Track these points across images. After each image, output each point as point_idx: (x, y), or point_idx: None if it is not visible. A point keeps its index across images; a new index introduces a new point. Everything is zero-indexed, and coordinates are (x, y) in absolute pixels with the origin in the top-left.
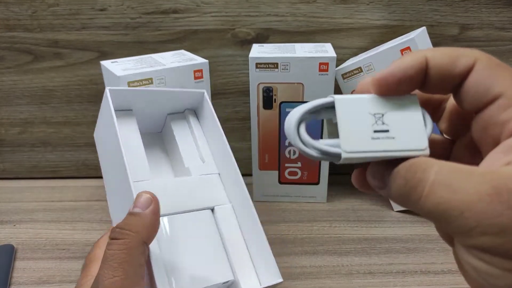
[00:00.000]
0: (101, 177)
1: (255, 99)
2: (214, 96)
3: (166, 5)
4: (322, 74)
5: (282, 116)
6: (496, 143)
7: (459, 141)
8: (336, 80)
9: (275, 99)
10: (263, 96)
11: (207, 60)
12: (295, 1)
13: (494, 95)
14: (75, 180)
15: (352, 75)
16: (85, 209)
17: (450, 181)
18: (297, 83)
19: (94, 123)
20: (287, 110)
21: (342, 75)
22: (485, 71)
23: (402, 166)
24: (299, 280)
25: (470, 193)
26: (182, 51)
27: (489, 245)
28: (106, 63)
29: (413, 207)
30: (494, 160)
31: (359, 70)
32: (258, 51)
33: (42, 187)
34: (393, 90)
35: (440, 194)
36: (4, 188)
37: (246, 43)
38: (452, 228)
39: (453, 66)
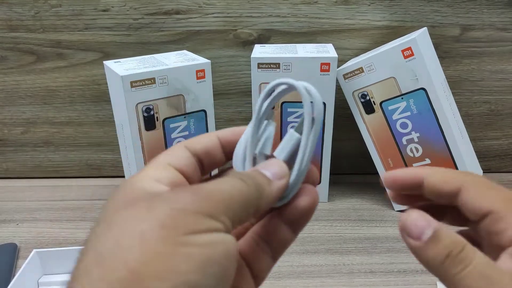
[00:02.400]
0: (103, 177)
1: (257, 99)
2: (216, 96)
3: (169, 6)
4: (323, 75)
5: (284, 116)
6: (498, 245)
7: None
8: (337, 80)
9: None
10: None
11: (209, 61)
12: (296, 2)
13: (484, 212)
14: (78, 179)
15: (354, 75)
16: (88, 208)
17: (490, 272)
18: None
19: (96, 123)
20: (289, 110)
21: (344, 75)
22: (473, 191)
23: (448, 234)
24: (301, 279)
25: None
26: (185, 51)
27: None
28: (109, 63)
29: (447, 277)
30: (507, 263)
31: (361, 70)
32: (260, 51)
33: (45, 187)
34: (393, 185)
35: (479, 280)
36: (7, 188)
37: (248, 44)
38: None
39: (444, 187)
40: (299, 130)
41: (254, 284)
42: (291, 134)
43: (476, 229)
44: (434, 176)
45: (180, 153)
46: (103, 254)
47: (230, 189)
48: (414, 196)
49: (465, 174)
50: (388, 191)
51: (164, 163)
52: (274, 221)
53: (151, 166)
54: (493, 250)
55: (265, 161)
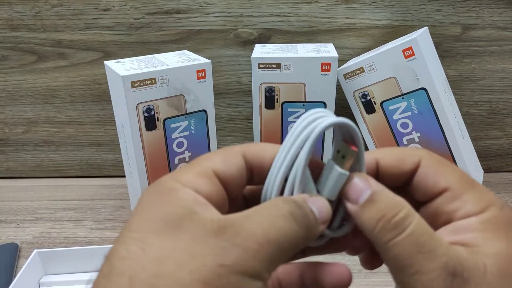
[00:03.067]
0: (104, 176)
1: (257, 99)
2: (217, 96)
3: (169, 5)
4: (324, 74)
5: (284, 116)
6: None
7: None
8: (338, 80)
9: (277, 99)
10: (266, 96)
11: (209, 60)
12: (297, 1)
13: (441, 189)
14: (79, 179)
15: (354, 75)
16: (89, 208)
17: (426, 239)
18: (299, 83)
19: (97, 122)
20: (289, 110)
21: (344, 75)
22: (430, 168)
23: (384, 196)
24: None
25: (430, 260)
26: (185, 51)
27: None
28: (109, 63)
29: (378, 244)
30: (444, 235)
31: (361, 70)
32: (261, 51)
33: (46, 186)
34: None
35: (409, 249)
36: (8, 187)
37: (249, 43)
38: (404, 278)
39: (402, 166)
40: (342, 163)
41: None
42: (338, 173)
43: (424, 212)
44: (388, 157)
45: (234, 162)
46: (137, 280)
47: (281, 238)
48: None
49: (418, 150)
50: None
51: (209, 169)
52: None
53: (193, 165)
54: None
55: (308, 194)
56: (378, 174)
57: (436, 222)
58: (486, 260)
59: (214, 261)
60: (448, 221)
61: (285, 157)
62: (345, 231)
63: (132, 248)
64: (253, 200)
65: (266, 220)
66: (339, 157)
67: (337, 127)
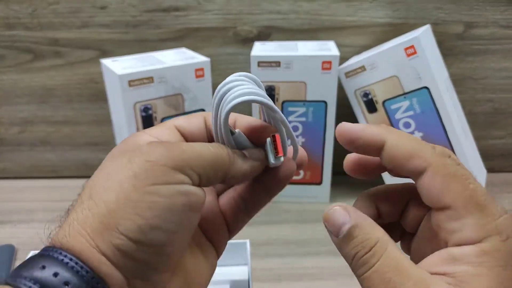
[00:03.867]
0: None
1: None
2: None
3: (167, 2)
4: (325, 73)
5: (284, 116)
6: (441, 243)
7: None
8: (339, 79)
9: (277, 98)
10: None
11: (208, 59)
12: None
13: (443, 205)
14: (75, 179)
15: (355, 73)
16: None
17: (392, 276)
18: (300, 81)
19: (94, 122)
20: (290, 109)
21: (345, 73)
22: (436, 180)
23: (361, 231)
24: (302, 281)
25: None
26: (183, 49)
27: None
28: (106, 62)
29: (356, 276)
30: (432, 265)
31: (363, 68)
32: (260, 49)
33: (42, 187)
34: (349, 145)
35: (376, 284)
36: (4, 188)
37: (248, 41)
38: None
39: (405, 163)
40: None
41: (228, 235)
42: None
43: (430, 216)
44: (397, 147)
45: (194, 121)
46: (93, 192)
47: (203, 149)
48: (371, 166)
49: (430, 153)
50: (346, 162)
51: (171, 124)
52: (253, 184)
53: (159, 125)
54: (436, 239)
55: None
56: (381, 154)
57: (438, 233)
58: None
59: (142, 158)
60: (445, 240)
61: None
62: (280, 161)
63: (96, 172)
64: None
65: (195, 143)
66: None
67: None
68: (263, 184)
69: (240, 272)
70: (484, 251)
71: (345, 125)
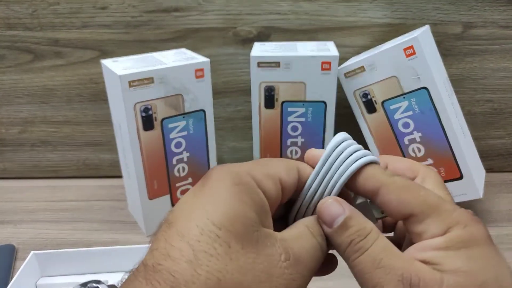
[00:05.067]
0: (101, 177)
1: (256, 98)
2: (216, 95)
3: (167, 3)
4: (324, 73)
5: (284, 116)
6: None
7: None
8: (338, 79)
9: (277, 99)
10: (265, 95)
11: (208, 59)
12: None
13: (405, 215)
14: (76, 179)
15: (355, 74)
16: (86, 209)
17: (383, 256)
18: (299, 82)
19: (94, 122)
20: (289, 109)
21: (345, 74)
22: (391, 196)
23: (355, 221)
24: None
25: (387, 273)
26: (183, 49)
27: None
28: (106, 62)
29: (348, 262)
30: (411, 253)
31: (362, 69)
32: (260, 49)
33: (43, 187)
34: None
35: (369, 265)
36: (5, 188)
37: (248, 42)
38: None
39: (362, 187)
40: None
41: None
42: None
43: (402, 226)
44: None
45: (292, 173)
46: (225, 285)
47: (315, 267)
48: None
49: (381, 173)
50: None
51: (277, 178)
52: None
53: (266, 173)
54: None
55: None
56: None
57: (411, 238)
58: (444, 275)
59: (284, 285)
60: (419, 240)
61: (323, 185)
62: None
63: (217, 247)
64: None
65: (310, 251)
66: (379, 211)
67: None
68: None
69: None
70: (449, 238)
71: (310, 153)
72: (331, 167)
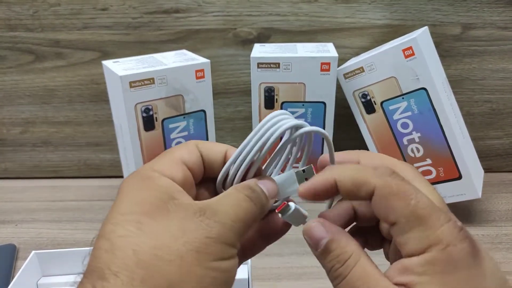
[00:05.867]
0: (102, 177)
1: (256, 99)
2: (216, 95)
3: (168, 4)
4: (324, 74)
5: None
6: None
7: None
8: (338, 80)
9: (276, 99)
10: (265, 96)
11: (208, 60)
12: (297, 0)
13: (390, 222)
14: (77, 179)
15: (354, 74)
16: (87, 209)
17: (359, 286)
18: (299, 83)
19: (95, 122)
20: (289, 110)
21: (344, 74)
22: (382, 200)
23: (337, 245)
24: (301, 280)
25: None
26: (184, 50)
27: None
28: (107, 63)
29: (332, 282)
30: (391, 276)
31: (361, 69)
32: (260, 50)
33: (44, 187)
34: (315, 198)
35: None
36: (6, 188)
37: (248, 43)
38: None
39: (357, 192)
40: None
41: (244, 259)
42: (295, 189)
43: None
44: (346, 181)
45: (194, 152)
46: (143, 258)
47: (245, 216)
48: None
49: (377, 175)
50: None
51: (179, 160)
52: (252, 231)
53: (166, 161)
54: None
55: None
56: (338, 191)
57: (397, 246)
58: None
59: (202, 234)
60: (401, 249)
61: (248, 152)
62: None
63: (129, 228)
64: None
65: (234, 203)
66: (301, 174)
67: (296, 130)
68: (261, 231)
69: (240, 271)
70: (426, 261)
71: (309, 188)
72: (260, 136)
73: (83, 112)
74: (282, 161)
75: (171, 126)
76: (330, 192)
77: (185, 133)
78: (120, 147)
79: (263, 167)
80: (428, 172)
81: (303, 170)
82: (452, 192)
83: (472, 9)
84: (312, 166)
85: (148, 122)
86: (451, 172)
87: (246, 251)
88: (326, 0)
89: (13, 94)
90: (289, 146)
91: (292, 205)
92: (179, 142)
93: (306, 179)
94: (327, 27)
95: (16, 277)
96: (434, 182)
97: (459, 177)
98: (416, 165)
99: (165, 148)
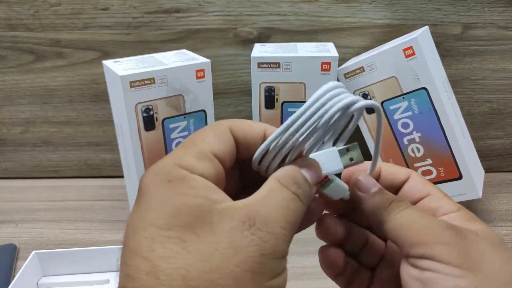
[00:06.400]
0: (103, 177)
1: (257, 99)
2: (216, 95)
3: (168, 4)
4: (324, 74)
5: (284, 116)
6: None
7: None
8: (338, 80)
9: (277, 99)
10: (265, 96)
11: (209, 60)
12: (297, 0)
13: (425, 194)
14: (77, 179)
15: (355, 74)
16: (87, 208)
17: (419, 215)
18: (299, 82)
19: (95, 122)
20: (289, 110)
21: (344, 74)
22: (419, 181)
23: (388, 191)
24: (301, 280)
25: (426, 222)
26: (184, 50)
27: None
28: (108, 63)
29: (388, 215)
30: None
31: (362, 69)
32: (260, 50)
33: (44, 187)
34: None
35: (411, 215)
36: (6, 188)
37: (248, 43)
38: (411, 240)
39: (397, 176)
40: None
41: None
42: (340, 167)
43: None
44: (388, 168)
45: (226, 139)
46: (194, 285)
47: (295, 219)
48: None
49: (408, 170)
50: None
51: (209, 153)
52: None
53: (194, 154)
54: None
55: (303, 159)
56: (379, 177)
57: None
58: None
59: (257, 251)
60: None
61: (298, 128)
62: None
63: (171, 247)
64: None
65: (282, 205)
66: (345, 152)
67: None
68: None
69: None
70: (462, 214)
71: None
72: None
73: (84, 112)
74: (328, 139)
75: (171, 126)
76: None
77: (186, 133)
78: (121, 147)
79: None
80: (429, 172)
81: (347, 149)
82: (453, 192)
83: (472, 8)
84: (357, 145)
85: (149, 122)
86: (452, 172)
87: None
88: (326, 0)
89: (14, 94)
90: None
91: (334, 178)
92: (179, 142)
93: (351, 160)
94: (328, 26)
95: (17, 277)
96: (434, 182)
97: (460, 177)
98: (416, 165)
99: (165, 148)
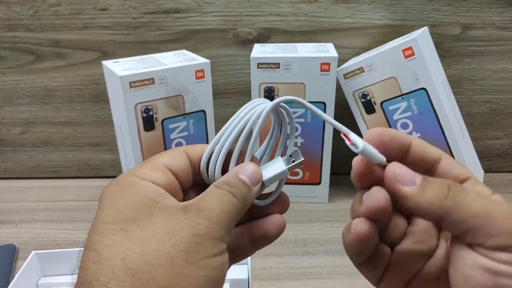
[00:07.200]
0: (102, 177)
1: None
2: (216, 96)
3: (168, 4)
4: (323, 74)
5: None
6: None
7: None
8: (337, 80)
9: None
10: (265, 96)
11: (208, 60)
12: (296, 0)
13: (464, 178)
14: (77, 180)
15: (354, 75)
16: (87, 209)
17: (487, 197)
18: (299, 83)
19: (95, 123)
20: None
21: (344, 75)
22: (453, 162)
23: (433, 177)
24: (301, 280)
25: (500, 208)
26: (184, 51)
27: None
28: (107, 63)
29: (455, 205)
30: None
31: (361, 70)
32: (260, 51)
33: (44, 187)
34: (386, 149)
35: (481, 202)
36: (5, 188)
37: (248, 43)
38: (488, 230)
39: (427, 152)
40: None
41: (232, 262)
42: (284, 170)
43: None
44: (419, 143)
45: (180, 157)
46: (132, 266)
47: (229, 208)
48: (375, 179)
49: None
50: (355, 167)
51: (162, 165)
52: (242, 233)
53: (147, 166)
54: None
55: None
56: (408, 152)
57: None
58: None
59: (190, 233)
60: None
61: (226, 138)
62: (271, 200)
63: (115, 237)
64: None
65: (216, 199)
66: (289, 158)
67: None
68: (252, 235)
69: (240, 271)
70: (498, 197)
71: (379, 131)
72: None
73: (83, 112)
74: (272, 145)
75: (171, 126)
76: (398, 148)
77: (185, 133)
78: (120, 147)
79: (256, 155)
80: None
81: (290, 155)
82: None
83: (472, 9)
84: (299, 150)
85: (148, 122)
86: None
87: (235, 255)
88: (326, 0)
89: (13, 94)
90: (275, 130)
91: (365, 144)
92: (179, 142)
93: (293, 162)
94: (327, 27)
95: (16, 277)
96: None
97: None
98: None
99: (165, 149)
